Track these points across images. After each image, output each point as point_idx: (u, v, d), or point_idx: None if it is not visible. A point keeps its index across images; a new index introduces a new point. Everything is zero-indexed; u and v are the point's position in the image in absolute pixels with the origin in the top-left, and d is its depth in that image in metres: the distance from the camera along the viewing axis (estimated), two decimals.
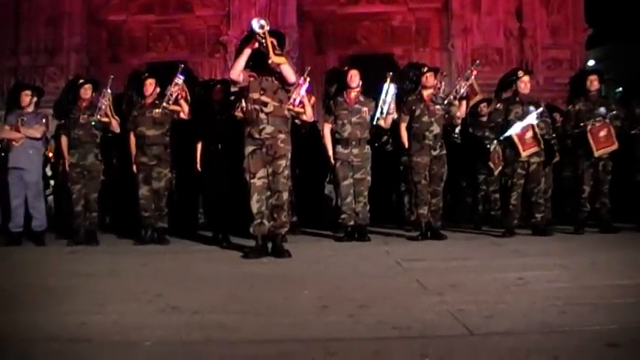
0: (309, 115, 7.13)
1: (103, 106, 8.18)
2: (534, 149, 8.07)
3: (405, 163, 9.17)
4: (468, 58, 17.09)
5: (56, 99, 8.95)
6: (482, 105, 10.22)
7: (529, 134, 8.04)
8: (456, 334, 2.91)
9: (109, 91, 8.32)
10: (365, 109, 8.07)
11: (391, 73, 8.60)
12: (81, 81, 8.63)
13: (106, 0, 18.29)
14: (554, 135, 8.93)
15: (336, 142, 8.13)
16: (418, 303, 3.65)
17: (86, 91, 8.42)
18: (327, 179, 9.58)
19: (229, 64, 15.44)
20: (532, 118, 8.09)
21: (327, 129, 8.22)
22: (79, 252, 7.37)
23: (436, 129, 8.00)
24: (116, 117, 8.37)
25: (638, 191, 8.61)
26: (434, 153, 7.97)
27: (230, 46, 16.54)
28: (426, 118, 7.97)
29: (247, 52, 6.25)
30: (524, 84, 8.31)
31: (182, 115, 8.22)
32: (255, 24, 6.07)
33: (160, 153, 8.14)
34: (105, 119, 8.25)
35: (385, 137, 10.02)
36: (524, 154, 8.02)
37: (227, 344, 2.87)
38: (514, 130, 8.07)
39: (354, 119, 8.02)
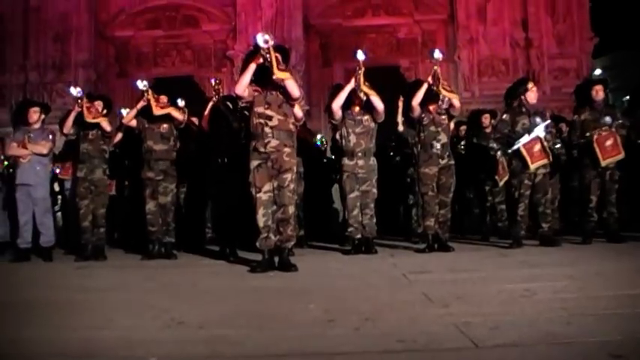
0: (298, 117, 7.10)
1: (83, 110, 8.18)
2: (544, 161, 8.01)
3: (412, 174, 9.19)
4: (475, 69, 17.17)
5: (63, 115, 9.01)
6: (484, 117, 10.23)
7: (537, 147, 7.98)
8: (461, 347, 2.89)
9: (77, 93, 8.28)
10: (367, 116, 8.08)
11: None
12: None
13: (113, 16, 18.47)
14: (559, 145, 8.91)
15: (342, 153, 8.16)
16: (424, 315, 3.65)
17: (95, 107, 8.46)
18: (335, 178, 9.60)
19: (236, 79, 15.57)
20: (540, 131, 8.05)
21: None
22: (87, 267, 7.39)
23: (443, 138, 8.03)
24: (104, 116, 8.43)
25: None
26: (442, 162, 7.97)
27: (237, 60, 16.64)
28: (432, 128, 8.00)
29: (252, 67, 6.28)
30: (534, 94, 8.30)
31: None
32: (260, 39, 6.13)
33: (166, 168, 8.19)
34: (94, 120, 8.25)
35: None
36: (532, 166, 7.95)
37: (232, 358, 2.88)
38: (521, 143, 8.04)
39: (357, 130, 8.05)
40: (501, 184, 8.79)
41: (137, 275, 6.40)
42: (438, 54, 8.06)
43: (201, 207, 9.86)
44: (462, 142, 10.49)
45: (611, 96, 10.27)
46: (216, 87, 8.72)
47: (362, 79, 7.84)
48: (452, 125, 8.63)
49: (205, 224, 10.14)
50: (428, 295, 4.32)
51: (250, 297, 4.66)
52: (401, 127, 9.41)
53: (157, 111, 8.08)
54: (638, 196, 8.90)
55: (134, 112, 8.20)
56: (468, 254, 7.60)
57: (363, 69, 7.84)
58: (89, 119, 8.20)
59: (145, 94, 8.07)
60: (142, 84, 8.11)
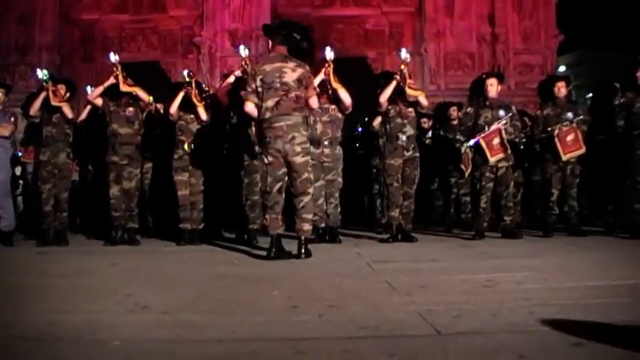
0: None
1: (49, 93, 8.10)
2: (501, 155, 8.12)
3: (377, 165, 9.22)
4: (441, 62, 17.28)
5: (26, 98, 8.88)
6: (452, 109, 10.32)
7: (496, 140, 8.09)
8: (425, 334, 2.92)
9: (43, 75, 8.20)
10: (333, 106, 8.14)
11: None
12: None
13: None
14: (523, 139, 9.02)
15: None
16: (387, 303, 3.66)
17: (59, 91, 8.35)
18: None
19: (202, 65, 15.48)
20: (500, 123, 8.14)
21: None
22: (49, 252, 7.29)
23: (409, 130, 8.06)
24: (67, 102, 8.35)
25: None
26: (407, 154, 8.01)
27: (203, 47, 16.51)
28: (399, 120, 8.02)
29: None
30: (491, 85, 8.37)
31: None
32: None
33: (131, 152, 8.12)
34: (58, 104, 8.15)
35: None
36: (492, 159, 8.08)
37: (197, 343, 2.86)
38: (481, 135, 8.12)
39: (324, 118, 8.10)
40: (467, 175, 8.87)
41: (100, 261, 6.33)
42: (405, 54, 8.06)
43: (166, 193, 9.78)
44: (427, 135, 10.56)
45: (573, 93, 10.42)
46: (190, 80, 8.63)
47: (332, 77, 7.86)
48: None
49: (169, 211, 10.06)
50: (391, 283, 4.35)
51: (214, 283, 4.64)
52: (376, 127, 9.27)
53: (124, 87, 7.99)
54: (598, 190, 9.05)
55: (101, 88, 8.10)
56: (431, 245, 7.67)
57: (332, 66, 7.86)
58: (54, 103, 8.09)
59: (115, 69, 7.97)
60: (114, 57, 8.01)
